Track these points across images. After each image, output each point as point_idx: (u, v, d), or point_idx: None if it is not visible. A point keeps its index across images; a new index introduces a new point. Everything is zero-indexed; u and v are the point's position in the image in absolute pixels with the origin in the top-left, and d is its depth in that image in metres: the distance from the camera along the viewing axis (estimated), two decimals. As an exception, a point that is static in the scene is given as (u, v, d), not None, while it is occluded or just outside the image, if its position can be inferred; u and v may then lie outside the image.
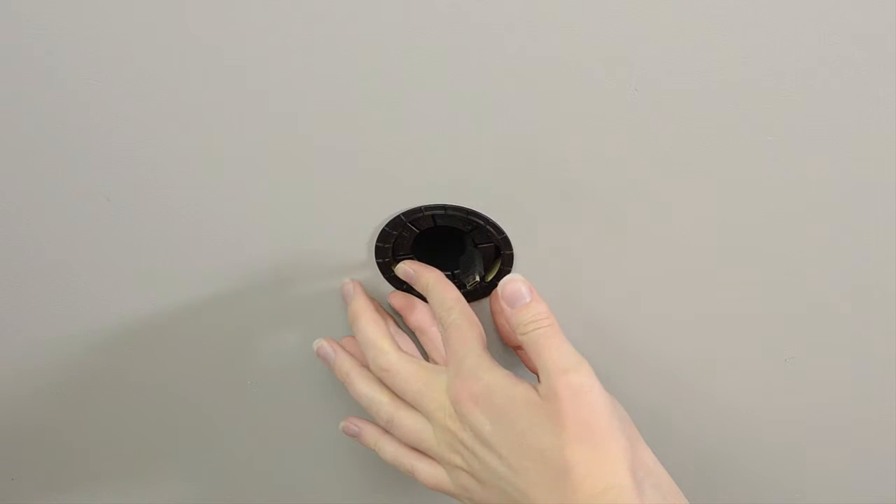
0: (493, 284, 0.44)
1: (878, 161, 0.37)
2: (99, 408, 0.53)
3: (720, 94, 0.36)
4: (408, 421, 0.42)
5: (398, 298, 0.46)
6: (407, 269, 0.44)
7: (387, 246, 0.43)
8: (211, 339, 0.49)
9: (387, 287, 0.45)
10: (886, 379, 0.46)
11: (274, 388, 0.52)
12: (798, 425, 0.50)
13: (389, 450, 0.44)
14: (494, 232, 0.42)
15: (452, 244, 0.45)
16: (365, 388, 0.44)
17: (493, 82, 0.36)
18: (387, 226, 0.42)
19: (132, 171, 0.41)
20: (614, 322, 0.45)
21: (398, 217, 0.42)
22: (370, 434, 0.45)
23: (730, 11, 0.33)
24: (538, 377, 0.38)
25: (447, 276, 0.44)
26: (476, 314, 0.45)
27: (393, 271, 0.44)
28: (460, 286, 0.44)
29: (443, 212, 0.41)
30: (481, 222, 0.41)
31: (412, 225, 0.42)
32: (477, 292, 0.45)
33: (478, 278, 0.42)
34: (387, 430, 0.44)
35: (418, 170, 0.40)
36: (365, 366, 0.44)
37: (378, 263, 0.44)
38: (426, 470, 0.43)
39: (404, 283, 0.45)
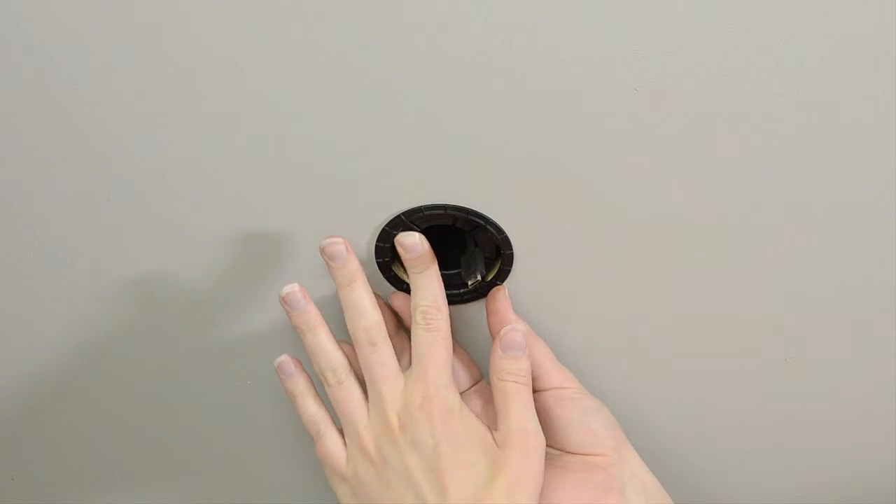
0: (493, 284, 0.44)
1: (879, 160, 0.37)
2: (99, 408, 0.53)
3: (720, 94, 0.36)
4: (355, 391, 0.42)
5: (400, 299, 0.45)
6: (416, 241, 0.41)
7: (387, 246, 0.43)
8: (211, 339, 0.49)
9: (387, 287, 0.45)
10: (886, 378, 0.46)
11: (274, 388, 0.52)
12: (798, 425, 0.50)
13: (311, 407, 0.44)
14: (494, 232, 0.42)
15: (453, 244, 0.45)
16: (329, 343, 0.43)
17: (493, 82, 0.36)
18: (387, 226, 0.42)
19: (132, 171, 0.41)
20: (614, 321, 0.45)
21: (398, 217, 0.42)
22: (302, 383, 0.44)
23: (729, 11, 0.33)
24: (496, 422, 0.41)
25: (445, 275, 0.45)
26: (474, 312, 0.45)
27: (393, 271, 0.44)
28: (461, 285, 0.44)
29: (443, 212, 0.41)
30: (481, 222, 0.41)
31: (412, 225, 0.42)
32: (476, 291, 0.45)
33: (479, 277, 0.42)
34: (329, 386, 0.43)
35: (418, 170, 0.40)
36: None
37: (378, 263, 0.44)
38: (332, 442, 0.43)
39: (405, 283, 0.45)
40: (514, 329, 0.41)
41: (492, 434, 0.40)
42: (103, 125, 0.39)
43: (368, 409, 0.42)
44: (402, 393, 0.41)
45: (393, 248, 0.43)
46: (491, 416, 0.43)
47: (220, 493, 0.60)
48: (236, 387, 0.52)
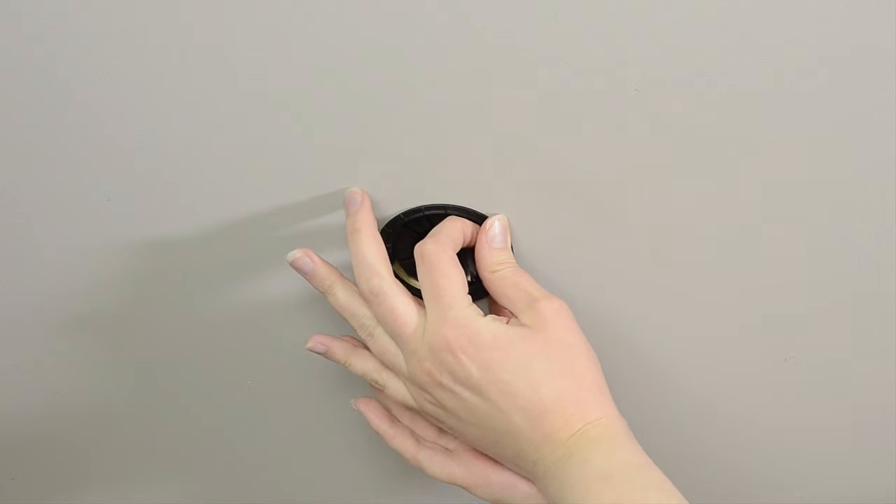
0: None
1: (878, 161, 0.37)
2: (99, 408, 0.53)
3: (719, 94, 0.36)
4: (385, 341, 0.42)
5: None
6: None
7: (387, 246, 0.43)
8: (211, 340, 0.49)
9: (387, 287, 0.45)
10: (886, 379, 0.46)
11: (274, 388, 0.52)
12: (798, 425, 0.50)
13: (360, 365, 0.44)
14: (494, 232, 0.42)
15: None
16: (347, 299, 0.42)
17: (493, 82, 0.36)
18: (387, 225, 0.42)
19: (132, 171, 0.41)
20: (614, 322, 0.45)
21: (398, 217, 0.42)
22: (340, 351, 0.44)
23: (729, 11, 0.33)
24: (509, 313, 0.41)
25: None
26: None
27: (393, 271, 0.44)
28: None
29: (443, 212, 0.41)
30: (481, 223, 0.41)
31: (412, 225, 0.42)
32: (470, 294, 0.44)
33: (469, 278, 0.42)
34: (364, 343, 0.43)
35: (418, 170, 0.40)
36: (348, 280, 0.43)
37: (378, 263, 0.44)
38: (397, 387, 0.43)
39: (406, 284, 0.45)
40: (500, 219, 0.41)
41: (517, 324, 0.40)
42: (103, 125, 0.39)
43: (404, 358, 0.41)
44: (422, 339, 0.40)
45: (393, 248, 0.43)
46: (503, 312, 0.42)
47: (220, 493, 0.60)
48: (236, 387, 0.52)
